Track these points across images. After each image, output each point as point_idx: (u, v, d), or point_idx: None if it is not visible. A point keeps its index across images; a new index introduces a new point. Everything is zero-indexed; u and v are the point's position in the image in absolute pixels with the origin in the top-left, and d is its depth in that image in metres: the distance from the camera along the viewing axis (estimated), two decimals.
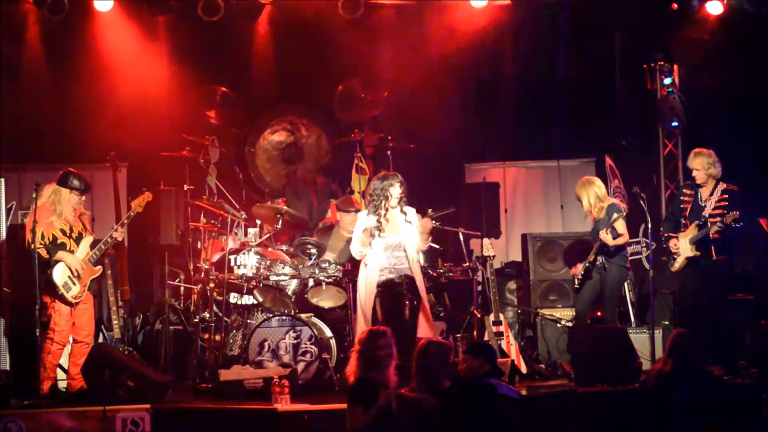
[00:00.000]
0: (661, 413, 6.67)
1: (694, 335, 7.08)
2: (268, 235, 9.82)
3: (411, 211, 8.28)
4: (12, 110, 10.43)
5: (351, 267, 8.97)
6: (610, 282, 9.04)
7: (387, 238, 8.19)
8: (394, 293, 8.16)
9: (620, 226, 8.97)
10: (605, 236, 9.00)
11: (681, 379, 6.58)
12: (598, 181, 9.28)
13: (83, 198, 8.48)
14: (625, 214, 9.01)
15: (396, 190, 8.18)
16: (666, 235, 9.11)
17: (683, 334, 6.76)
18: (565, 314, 9.94)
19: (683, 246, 8.94)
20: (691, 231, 8.91)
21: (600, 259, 9.04)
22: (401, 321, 8.06)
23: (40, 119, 10.84)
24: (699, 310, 8.86)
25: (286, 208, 9.83)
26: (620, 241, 8.98)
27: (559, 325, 9.97)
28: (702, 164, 8.93)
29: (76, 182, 8.39)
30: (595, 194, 9.12)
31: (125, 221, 8.66)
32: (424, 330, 8.14)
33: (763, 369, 8.46)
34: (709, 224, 8.75)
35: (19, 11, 10.69)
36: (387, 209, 8.19)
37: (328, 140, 11.73)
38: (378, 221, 8.16)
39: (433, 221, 8.74)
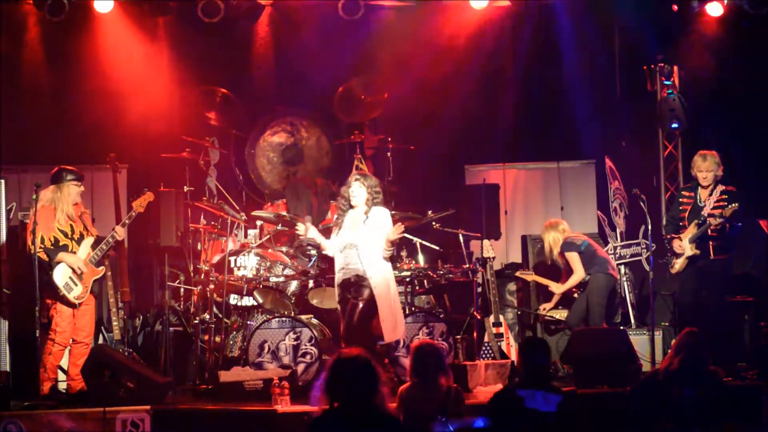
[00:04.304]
0: (666, 411, 6.64)
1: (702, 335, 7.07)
2: (268, 236, 9.83)
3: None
4: (12, 111, 10.43)
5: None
6: (591, 290, 9.26)
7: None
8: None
9: (574, 263, 9.35)
10: (553, 288, 9.59)
11: (688, 378, 6.56)
12: (562, 225, 9.60)
13: (81, 186, 8.49)
14: (576, 249, 9.33)
15: None
16: (668, 236, 9.12)
17: (693, 333, 6.74)
18: (564, 316, 9.94)
19: (684, 246, 8.95)
20: (691, 230, 8.91)
21: None
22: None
23: (41, 120, 10.84)
24: (698, 311, 8.86)
25: (286, 212, 9.87)
26: (570, 284, 9.41)
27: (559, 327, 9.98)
28: (712, 166, 8.95)
29: (70, 175, 8.41)
30: (553, 238, 9.51)
31: (126, 221, 8.66)
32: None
33: (763, 371, 8.47)
34: (708, 221, 8.76)
35: (19, 12, 10.70)
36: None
37: (328, 142, 11.72)
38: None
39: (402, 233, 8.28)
